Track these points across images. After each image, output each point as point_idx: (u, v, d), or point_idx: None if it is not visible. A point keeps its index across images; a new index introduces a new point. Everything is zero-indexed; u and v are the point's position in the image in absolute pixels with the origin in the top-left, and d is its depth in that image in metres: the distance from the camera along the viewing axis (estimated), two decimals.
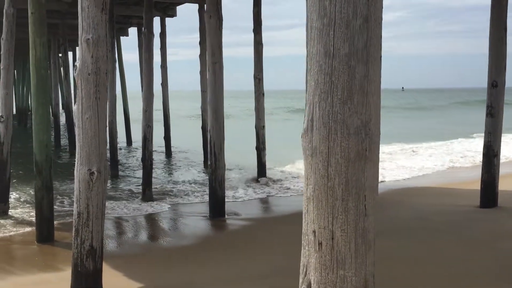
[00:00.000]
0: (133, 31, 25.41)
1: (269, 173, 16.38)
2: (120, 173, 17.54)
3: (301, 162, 19.65)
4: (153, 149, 14.51)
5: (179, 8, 19.54)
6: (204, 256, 8.61)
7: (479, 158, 18.94)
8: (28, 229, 10.45)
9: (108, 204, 11.06)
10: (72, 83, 27.39)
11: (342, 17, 2.43)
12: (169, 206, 12.83)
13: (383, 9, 2.64)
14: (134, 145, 25.27)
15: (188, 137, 27.39)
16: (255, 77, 15.83)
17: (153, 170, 14.10)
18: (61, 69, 28.02)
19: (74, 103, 6.11)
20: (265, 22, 15.83)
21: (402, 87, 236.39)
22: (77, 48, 30.62)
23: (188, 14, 22.64)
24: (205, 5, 18.06)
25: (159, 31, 20.29)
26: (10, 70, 11.95)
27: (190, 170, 18.64)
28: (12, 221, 11.22)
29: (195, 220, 11.48)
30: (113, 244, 9.68)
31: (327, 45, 2.46)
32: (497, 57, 10.72)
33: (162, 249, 9.37)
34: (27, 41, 9.56)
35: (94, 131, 5.91)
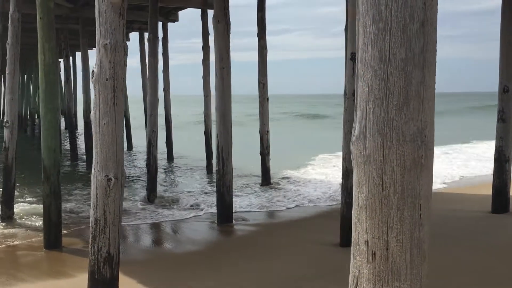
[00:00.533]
0: (133, 36, 25.39)
1: (273, 178, 16.33)
2: None
3: (305, 167, 19.67)
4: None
5: None
6: (215, 262, 8.54)
7: (479, 164, 19.03)
8: (34, 234, 10.35)
9: None
10: (72, 88, 27.33)
11: (398, 22, 2.37)
12: (175, 211, 12.74)
13: None
14: (134, 150, 25.06)
15: (188, 142, 27.33)
16: (259, 82, 15.77)
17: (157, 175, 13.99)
18: (61, 74, 27.94)
19: (90, 109, 6.03)
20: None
21: None
22: (78, 53, 30.38)
23: (185, 19, 22.56)
24: (208, 10, 18.31)
25: (161, 36, 20.22)
26: (15, 75, 11.83)
27: (193, 176, 18.54)
28: (17, 227, 11.12)
29: (203, 226, 11.40)
30: (122, 250, 9.58)
31: (383, 50, 2.39)
32: (508, 62, 10.64)
33: (172, 255, 9.28)
34: (30, 46, 9.47)
35: (112, 137, 5.83)
